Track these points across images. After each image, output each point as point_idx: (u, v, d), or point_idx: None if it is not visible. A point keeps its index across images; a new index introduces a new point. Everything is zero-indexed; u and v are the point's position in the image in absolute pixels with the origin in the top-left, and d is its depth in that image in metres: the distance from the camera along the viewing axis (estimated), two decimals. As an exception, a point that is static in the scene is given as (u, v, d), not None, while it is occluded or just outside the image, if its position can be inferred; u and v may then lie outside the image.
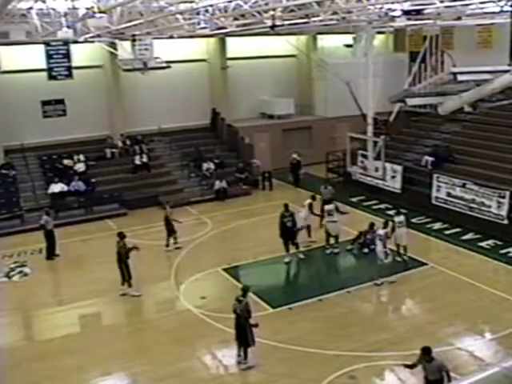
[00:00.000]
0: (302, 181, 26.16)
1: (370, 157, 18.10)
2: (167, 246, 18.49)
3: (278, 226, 17.04)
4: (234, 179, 25.32)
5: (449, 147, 23.41)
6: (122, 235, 15.35)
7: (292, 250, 17.20)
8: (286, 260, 17.06)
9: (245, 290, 12.03)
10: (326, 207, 18.45)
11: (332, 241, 18.06)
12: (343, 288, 15.32)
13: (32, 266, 17.65)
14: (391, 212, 20.11)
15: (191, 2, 14.02)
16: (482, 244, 18.13)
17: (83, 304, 14.95)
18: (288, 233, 16.99)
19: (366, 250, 17.62)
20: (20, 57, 23.80)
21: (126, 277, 15.21)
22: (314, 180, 26.29)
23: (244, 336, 11.75)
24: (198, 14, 16.43)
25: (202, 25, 17.21)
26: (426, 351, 9.39)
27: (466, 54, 22.59)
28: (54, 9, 14.89)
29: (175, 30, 20.12)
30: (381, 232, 15.99)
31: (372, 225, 17.55)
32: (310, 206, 18.55)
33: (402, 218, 17.13)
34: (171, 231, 18.47)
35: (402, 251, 17.01)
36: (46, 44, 22.80)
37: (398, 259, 16.85)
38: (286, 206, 17.40)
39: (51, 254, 18.33)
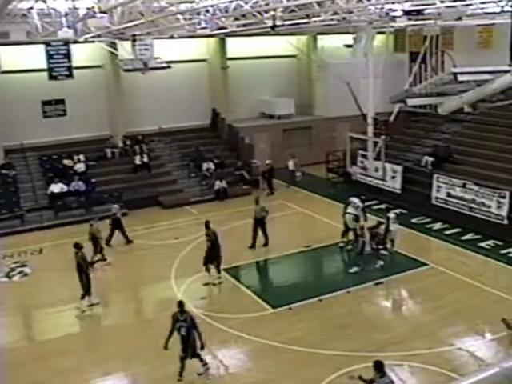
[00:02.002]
0: (299, 183, 26.03)
1: (370, 157, 18.13)
2: (93, 263, 16.67)
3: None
4: (235, 179, 25.31)
5: (449, 147, 23.41)
6: (78, 246, 14.65)
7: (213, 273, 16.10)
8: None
9: (181, 304, 11.32)
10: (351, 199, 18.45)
11: (346, 237, 18.22)
12: (343, 288, 15.33)
13: (32, 266, 17.66)
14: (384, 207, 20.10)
15: (192, 2, 14.01)
16: (482, 244, 18.14)
17: (83, 304, 14.93)
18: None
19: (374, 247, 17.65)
20: (20, 57, 23.78)
21: (85, 288, 14.54)
22: (314, 181, 26.30)
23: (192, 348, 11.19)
24: (198, 14, 16.43)
25: (203, 25, 17.20)
26: (378, 367, 8.76)
27: (467, 55, 22.59)
28: (54, 9, 14.86)
29: (176, 30, 20.11)
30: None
31: (379, 223, 17.71)
32: None
33: (393, 214, 17.61)
34: (100, 248, 17.32)
35: (389, 245, 17.32)
36: (47, 44, 22.80)
37: (385, 253, 17.14)
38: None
39: (109, 241, 19.03)
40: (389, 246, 17.43)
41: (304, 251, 18.08)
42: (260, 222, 18.34)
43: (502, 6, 15.55)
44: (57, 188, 22.66)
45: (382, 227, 17.29)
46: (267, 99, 29.83)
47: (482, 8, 17.11)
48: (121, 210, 20.20)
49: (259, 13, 16.06)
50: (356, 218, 17.68)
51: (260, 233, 18.39)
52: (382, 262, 16.54)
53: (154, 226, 21.07)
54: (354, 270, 16.44)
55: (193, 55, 27.82)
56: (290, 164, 26.58)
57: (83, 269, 14.52)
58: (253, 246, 18.29)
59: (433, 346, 12.17)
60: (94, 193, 23.17)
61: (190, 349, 11.17)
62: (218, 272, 15.99)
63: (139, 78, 22.60)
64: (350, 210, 17.97)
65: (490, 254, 17.38)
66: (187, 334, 11.12)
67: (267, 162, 25.81)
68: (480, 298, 14.53)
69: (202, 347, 11.22)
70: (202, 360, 11.43)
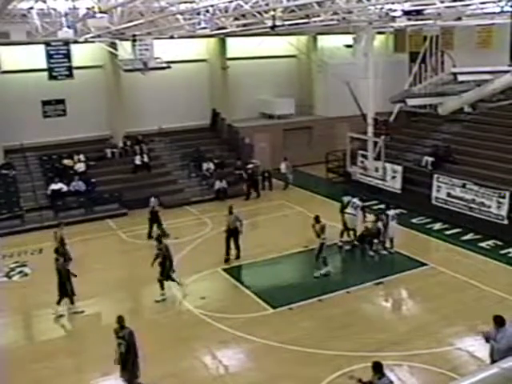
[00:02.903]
0: (291, 187, 25.80)
1: (370, 157, 18.15)
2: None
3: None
4: (235, 179, 25.30)
5: (449, 147, 23.41)
6: (59, 252, 14.36)
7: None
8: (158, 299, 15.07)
9: (120, 320, 10.85)
10: (348, 199, 18.41)
11: (345, 236, 18.21)
12: (343, 288, 15.34)
13: (32, 266, 17.66)
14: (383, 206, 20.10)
15: (192, 2, 14.02)
16: (482, 244, 18.14)
17: (83, 304, 14.90)
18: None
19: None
20: (20, 57, 23.79)
21: (69, 293, 14.23)
22: (314, 181, 26.28)
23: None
24: (198, 14, 16.43)
25: (203, 25, 17.19)
26: (377, 368, 8.75)
27: (467, 55, 22.59)
28: (54, 9, 14.86)
29: (176, 30, 20.12)
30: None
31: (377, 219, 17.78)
32: None
33: (393, 211, 17.76)
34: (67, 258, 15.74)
35: (388, 245, 17.42)
36: (47, 44, 22.82)
37: (384, 252, 17.28)
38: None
39: (150, 235, 19.28)
40: (388, 245, 17.47)
41: (304, 251, 18.07)
42: (233, 233, 17.28)
43: (502, 6, 15.57)
44: (57, 187, 22.66)
45: (377, 225, 17.33)
46: (267, 99, 29.83)
47: (482, 8, 17.13)
48: (158, 202, 20.48)
49: (259, 13, 16.07)
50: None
51: (233, 245, 17.33)
52: (324, 270, 16.08)
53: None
54: (317, 274, 16.01)
55: (193, 55, 27.81)
56: (282, 167, 26.32)
57: (63, 277, 14.14)
58: (227, 259, 17.24)
59: (433, 346, 12.16)
60: (94, 193, 23.18)
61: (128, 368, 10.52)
62: (162, 288, 14.94)
63: (139, 78, 22.60)
64: (349, 209, 18.00)
65: (489, 254, 17.37)
66: (126, 351, 10.60)
67: (251, 163, 25.35)
68: (480, 298, 14.52)
69: (134, 373, 10.56)
70: None
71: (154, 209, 19.78)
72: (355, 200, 18.30)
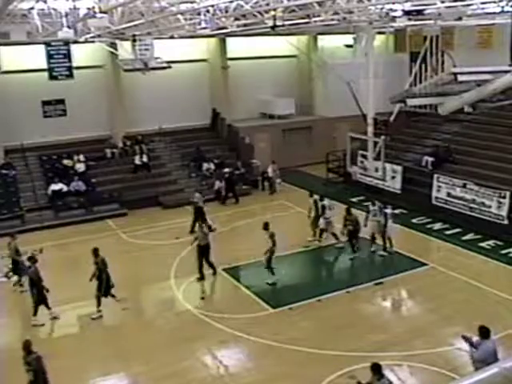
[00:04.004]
0: (279, 191, 25.33)
1: (370, 157, 18.12)
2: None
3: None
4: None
5: (449, 147, 23.41)
6: (32, 260, 13.98)
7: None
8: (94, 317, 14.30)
9: (25, 345, 10.33)
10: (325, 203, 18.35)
11: (324, 235, 18.33)
12: (343, 288, 15.33)
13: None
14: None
15: (192, 3, 14.01)
16: (483, 244, 18.13)
17: (83, 304, 14.93)
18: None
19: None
20: (21, 57, 23.80)
21: (36, 302, 13.85)
22: (314, 181, 26.25)
23: None
24: (198, 14, 16.43)
25: (203, 25, 17.20)
26: (376, 369, 8.73)
27: (467, 55, 22.59)
28: (54, 9, 14.87)
29: (176, 30, 20.10)
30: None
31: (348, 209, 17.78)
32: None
33: (390, 209, 17.83)
34: (19, 271, 15.58)
35: (388, 245, 17.43)
36: (47, 44, 22.80)
37: (384, 253, 17.29)
38: None
39: (193, 228, 19.25)
40: (388, 245, 17.46)
41: (304, 251, 18.06)
42: (204, 250, 16.17)
43: (502, 6, 15.56)
44: (57, 187, 22.67)
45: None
46: (267, 99, 29.81)
47: (482, 8, 17.11)
48: (203, 198, 20.72)
49: (259, 13, 16.06)
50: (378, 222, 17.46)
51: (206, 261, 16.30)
52: (271, 280, 15.69)
53: (153, 225, 21.07)
54: (270, 281, 15.66)
55: (193, 55, 27.81)
56: (270, 170, 25.40)
57: (36, 283, 13.74)
58: (201, 277, 16.07)
59: (433, 346, 12.16)
60: (94, 193, 23.18)
61: None
62: (98, 305, 14.22)
63: (139, 78, 22.60)
64: (371, 218, 17.59)
65: (490, 254, 17.37)
66: (35, 377, 10.12)
67: (225, 170, 24.62)
68: (480, 298, 14.52)
69: None
70: None
71: (198, 204, 20.01)
72: (375, 208, 17.87)
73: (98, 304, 14.26)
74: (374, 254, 17.62)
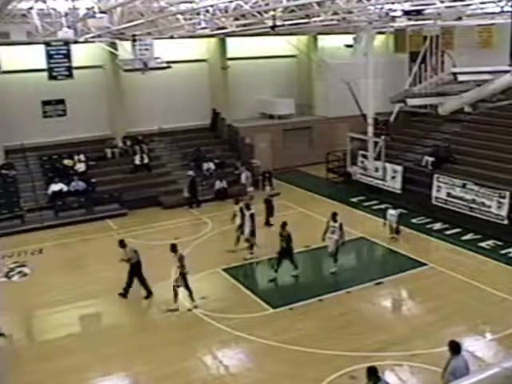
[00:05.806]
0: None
1: (371, 157, 18.13)
2: None
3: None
4: (234, 179, 25.29)
5: (449, 147, 23.42)
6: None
7: None
8: None
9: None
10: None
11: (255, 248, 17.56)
12: (343, 288, 15.34)
13: (32, 266, 17.64)
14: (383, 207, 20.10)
15: (192, 3, 14.02)
16: (482, 244, 18.14)
17: (83, 304, 14.94)
18: None
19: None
20: (20, 57, 23.80)
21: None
22: (314, 181, 26.22)
23: None
24: (198, 14, 16.43)
25: (203, 25, 17.20)
26: (372, 373, 8.59)
27: (467, 55, 22.57)
28: (54, 9, 14.87)
29: (176, 30, 20.11)
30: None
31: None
32: None
33: (393, 211, 18.32)
34: None
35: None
36: (47, 44, 22.79)
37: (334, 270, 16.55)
38: None
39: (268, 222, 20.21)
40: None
41: (304, 251, 18.06)
42: (135, 268, 15.10)
43: (502, 6, 15.57)
44: (57, 187, 22.68)
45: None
46: (267, 99, 29.82)
47: (482, 8, 17.14)
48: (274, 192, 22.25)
49: (259, 13, 16.07)
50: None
51: (138, 279, 15.28)
52: (192, 305, 14.55)
53: (153, 226, 21.08)
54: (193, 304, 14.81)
55: (193, 55, 27.82)
56: (243, 177, 23.91)
57: None
58: (149, 294, 15.17)
59: (433, 346, 12.15)
60: (94, 193, 23.17)
61: None
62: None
63: (139, 78, 22.61)
64: (329, 235, 16.59)
65: (489, 254, 17.37)
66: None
67: (188, 173, 23.82)
68: (480, 298, 14.52)
69: None
70: None
71: (268, 197, 21.02)
72: (393, 212, 18.73)
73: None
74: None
